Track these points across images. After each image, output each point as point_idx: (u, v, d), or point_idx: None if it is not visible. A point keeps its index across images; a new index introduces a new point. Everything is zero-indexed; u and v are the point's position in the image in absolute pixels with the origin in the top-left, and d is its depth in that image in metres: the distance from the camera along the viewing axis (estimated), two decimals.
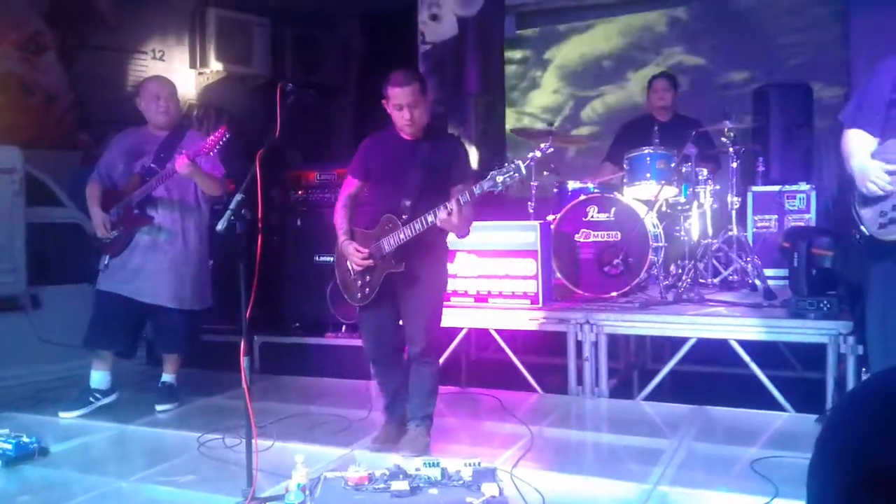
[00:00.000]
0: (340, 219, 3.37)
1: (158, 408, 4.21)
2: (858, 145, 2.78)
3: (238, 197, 2.82)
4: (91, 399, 4.13)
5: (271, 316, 5.42)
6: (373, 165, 3.39)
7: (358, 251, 3.25)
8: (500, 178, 2.91)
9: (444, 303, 3.50)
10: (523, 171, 2.92)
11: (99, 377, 4.19)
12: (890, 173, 2.62)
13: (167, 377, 4.37)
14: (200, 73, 7.32)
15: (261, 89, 7.51)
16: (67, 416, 4.05)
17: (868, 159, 2.70)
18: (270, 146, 2.92)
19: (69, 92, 6.15)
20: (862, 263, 3.43)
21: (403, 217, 3.20)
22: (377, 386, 3.69)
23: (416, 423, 3.37)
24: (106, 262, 4.20)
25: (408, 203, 3.20)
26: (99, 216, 4.16)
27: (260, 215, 3.02)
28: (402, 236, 3.17)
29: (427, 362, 3.37)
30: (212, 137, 3.88)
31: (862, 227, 2.75)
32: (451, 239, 4.80)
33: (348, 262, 3.34)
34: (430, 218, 3.09)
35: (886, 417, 0.82)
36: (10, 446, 3.43)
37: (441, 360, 4.45)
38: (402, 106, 3.19)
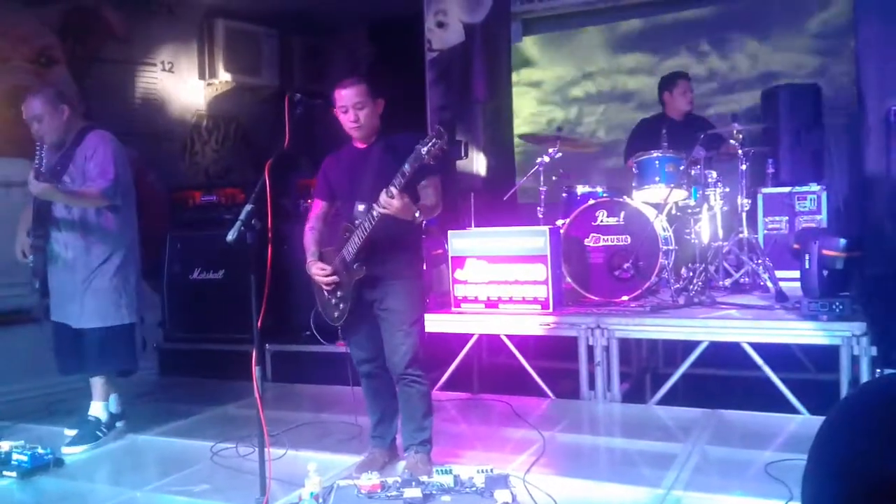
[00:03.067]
0: (307, 242, 3.31)
1: (64, 449, 3.76)
2: None
3: (248, 207, 2.83)
4: (98, 433, 3.93)
5: (283, 325, 5.43)
6: (335, 183, 3.31)
7: (321, 269, 3.18)
8: (423, 150, 2.84)
9: (429, 314, 3.36)
10: (443, 132, 2.85)
11: (111, 401, 4.05)
12: None
13: (93, 409, 3.97)
14: (209, 84, 7.37)
15: (269, 99, 7.55)
16: (72, 452, 3.79)
17: None
18: (280, 156, 2.93)
19: (80, 104, 6.20)
20: None
21: (357, 222, 3.10)
22: (366, 407, 3.45)
23: (415, 449, 3.20)
24: (36, 286, 4.01)
25: (360, 207, 3.09)
26: (18, 242, 3.99)
27: (270, 224, 3.03)
28: (356, 239, 3.08)
29: (413, 380, 3.17)
30: (37, 153, 3.64)
31: None
32: (462, 245, 4.84)
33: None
34: (374, 212, 2.98)
35: (882, 427, 0.81)
36: (25, 458, 3.46)
37: (445, 372, 4.42)
38: (347, 108, 3.12)
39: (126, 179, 3.98)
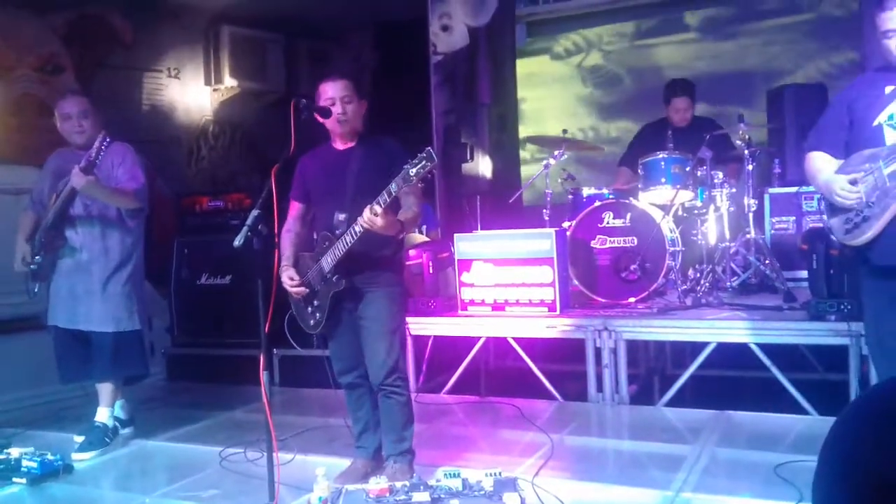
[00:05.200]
0: (283, 245, 3.20)
1: (73, 456, 3.76)
2: (822, 163, 2.95)
3: (255, 212, 2.83)
4: (106, 439, 3.93)
5: (290, 329, 5.43)
6: (311, 184, 3.21)
7: (291, 279, 3.10)
8: (412, 171, 2.71)
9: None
10: (433, 155, 2.72)
11: (117, 407, 4.05)
12: (852, 182, 2.77)
13: (99, 415, 3.95)
14: (215, 90, 7.40)
15: (275, 104, 7.57)
16: (81, 458, 3.79)
17: (832, 174, 2.86)
18: (286, 161, 2.94)
19: None
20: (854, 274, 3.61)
21: (337, 232, 3.01)
22: (349, 417, 3.39)
23: (394, 459, 3.15)
24: (35, 290, 3.99)
25: (341, 217, 2.99)
26: (19, 248, 3.94)
27: (276, 229, 3.04)
28: (337, 252, 2.99)
29: (392, 391, 3.11)
30: (95, 145, 3.66)
31: (832, 237, 2.94)
32: (468, 248, 4.84)
33: None
34: (356, 228, 2.88)
35: (893, 429, 0.81)
36: (35, 464, 3.46)
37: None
38: (335, 100, 3.04)
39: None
